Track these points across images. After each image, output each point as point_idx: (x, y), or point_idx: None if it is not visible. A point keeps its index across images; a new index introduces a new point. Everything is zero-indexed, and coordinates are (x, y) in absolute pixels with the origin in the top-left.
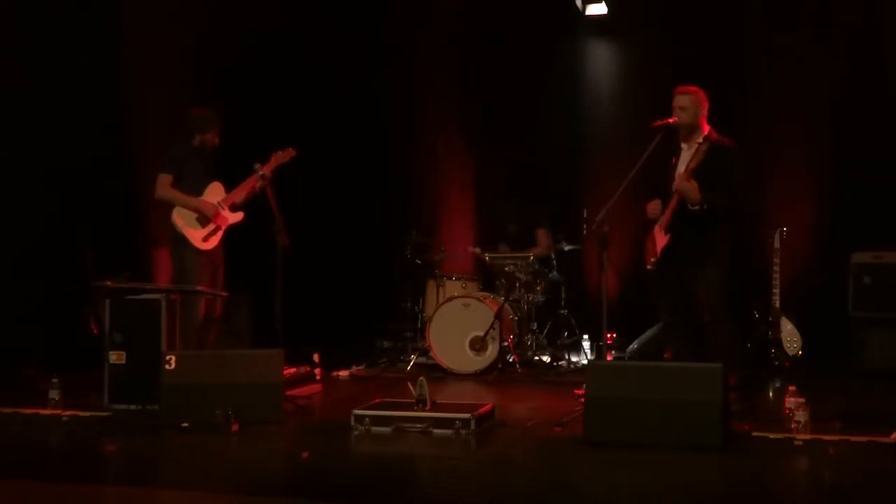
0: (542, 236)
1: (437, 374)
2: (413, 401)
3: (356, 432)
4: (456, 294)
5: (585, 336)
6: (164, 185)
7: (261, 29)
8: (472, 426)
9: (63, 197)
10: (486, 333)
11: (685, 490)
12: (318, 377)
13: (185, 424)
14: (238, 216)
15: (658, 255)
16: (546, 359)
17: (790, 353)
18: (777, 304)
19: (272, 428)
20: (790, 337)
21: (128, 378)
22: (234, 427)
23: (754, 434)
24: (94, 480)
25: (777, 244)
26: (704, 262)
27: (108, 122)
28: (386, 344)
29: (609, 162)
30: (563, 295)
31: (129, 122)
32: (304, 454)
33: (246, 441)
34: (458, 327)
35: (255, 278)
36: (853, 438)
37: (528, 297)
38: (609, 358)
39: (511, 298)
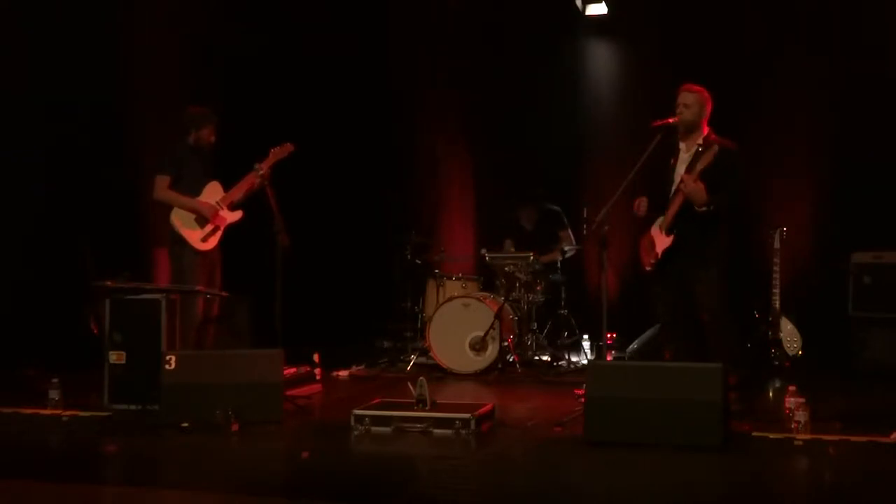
0: (566, 237)
1: (437, 374)
2: (413, 401)
3: (356, 432)
4: (456, 294)
5: (585, 336)
6: (161, 187)
7: (261, 28)
8: (472, 426)
9: (63, 197)
10: (486, 333)
11: (685, 490)
12: (318, 377)
13: (185, 424)
14: (237, 215)
15: (658, 256)
16: (546, 359)
17: (790, 353)
18: (777, 304)
19: (272, 428)
20: (790, 337)
21: (128, 378)
22: (234, 427)
23: (754, 434)
24: (94, 480)
25: (777, 244)
26: (705, 262)
27: (109, 121)
28: (386, 344)
29: (609, 162)
30: (563, 295)
31: (130, 121)
32: (304, 454)
33: (246, 441)
34: (458, 327)
35: (255, 278)
36: (853, 438)
37: (528, 297)
38: (609, 358)
39: (511, 298)
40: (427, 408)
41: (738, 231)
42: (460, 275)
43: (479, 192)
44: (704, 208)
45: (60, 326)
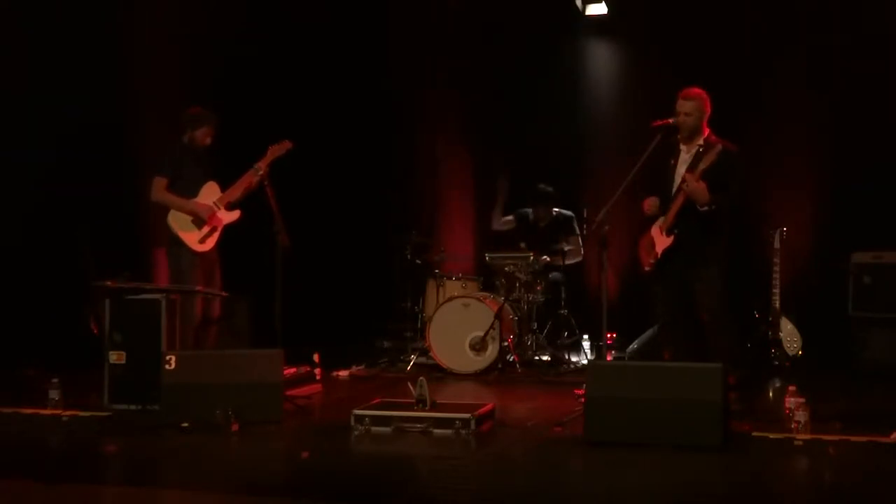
0: (575, 243)
1: (437, 374)
2: (413, 401)
3: (356, 432)
4: (456, 294)
5: (585, 336)
6: (159, 189)
7: (261, 28)
8: (472, 426)
9: (63, 197)
10: (486, 333)
11: (685, 490)
12: (318, 377)
13: (185, 424)
14: (234, 215)
15: (658, 256)
16: (546, 359)
17: (790, 353)
18: (777, 304)
19: (272, 428)
20: (790, 337)
21: (128, 378)
22: (234, 427)
23: (754, 434)
24: (94, 480)
25: (777, 244)
26: (706, 262)
27: (109, 121)
28: (386, 344)
29: (609, 162)
30: (563, 295)
31: (130, 121)
32: (304, 454)
33: (246, 441)
34: (458, 327)
35: (254, 278)
36: (853, 438)
37: (528, 297)
38: (609, 358)
39: (511, 298)
40: (427, 408)
41: (738, 231)
42: (460, 275)
43: (479, 192)
44: (706, 208)
45: (60, 326)
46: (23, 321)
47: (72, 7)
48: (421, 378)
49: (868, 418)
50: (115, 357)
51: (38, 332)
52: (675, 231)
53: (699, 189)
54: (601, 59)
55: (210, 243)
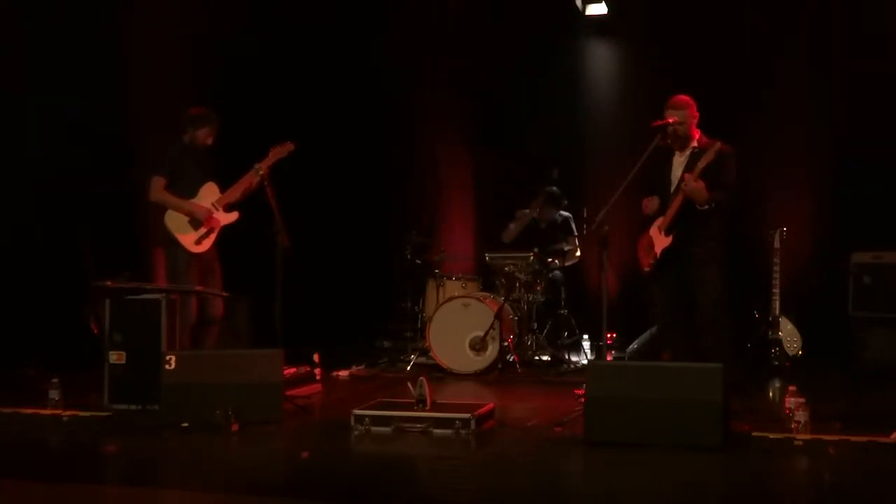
0: (573, 243)
1: (437, 374)
2: (413, 401)
3: (356, 432)
4: (456, 294)
5: (585, 336)
6: (157, 189)
7: (261, 28)
8: (472, 426)
9: (63, 197)
10: (486, 333)
11: (685, 490)
12: (318, 377)
13: (185, 424)
14: (233, 216)
15: (657, 256)
16: (546, 359)
17: (790, 353)
18: (777, 304)
19: (272, 428)
20: (790, 337)
21: (128, 378)
22: (234, 427)
23: (754, 434)
24: (94, 480)
25: (777, 244)
26: (704, 262)
27: (109, 121)
28: (386, 344)
29: (609, 162)
30: (563, 295)
31: (130, 121)
32: (304, 454)
33: (246, 441)
34: (458, 327)
35: (254, 278)
36: (853, 438)
37: (528, 297)
38: (609, 358)
39: (511, 298)
40: (427, 408)
41: (738, 231)
42: (460, 275)
43: (479, 192)
44: (705, 207)
45: (60, 326)
46: (23, 321)
47: (72, 7)
48: (421, 378)
49: (868, 418)
50: (115, 357)
51: (38, 332)
52: (674, 231)
53: (698, 188)
54: (601, 59)
55: (206, 244)
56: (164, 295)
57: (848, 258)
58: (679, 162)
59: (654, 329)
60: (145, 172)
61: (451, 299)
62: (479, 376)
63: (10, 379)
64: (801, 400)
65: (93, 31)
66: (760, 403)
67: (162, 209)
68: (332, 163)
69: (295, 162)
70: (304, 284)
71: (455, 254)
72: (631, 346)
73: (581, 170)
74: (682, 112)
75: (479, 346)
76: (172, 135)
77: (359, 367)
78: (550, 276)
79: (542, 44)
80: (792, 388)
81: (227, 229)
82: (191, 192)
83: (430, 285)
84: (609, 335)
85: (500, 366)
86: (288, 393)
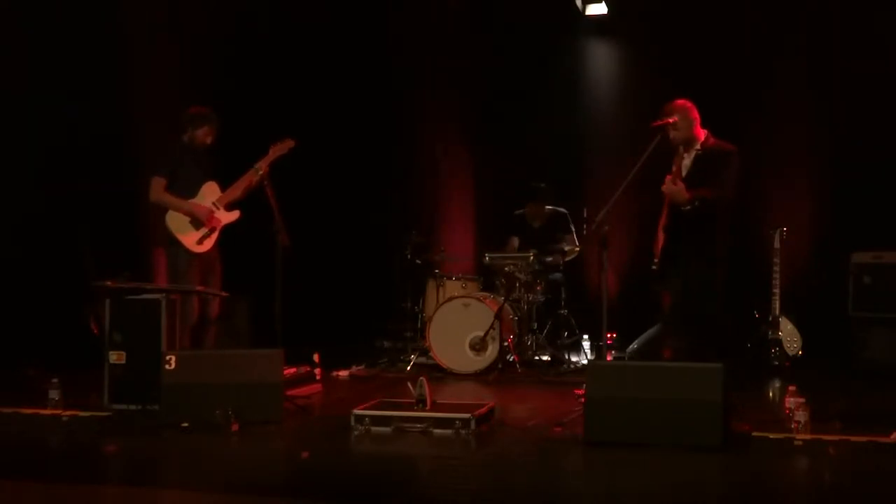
0: (571, 241)
1: (437, 374)
2: (413, 401)
3: (356, 432)
4: (456, 294)
5: (585, 336)
6: (157, 189)
7: (261, 28)
8: (472, 426)
9: (63, 197)
10: (486, 333)
11: (685, 490)
12: (318, 377)
13: (185, 424)
14: (234, 215)
15: (657, 256)
16: (546, 359)
17: (790, 353)
18: (777, 304)
19: (272, 428)
20: (790, 337)
21: (128, 378)
22: (234, 427)
23: (754, 434)
24: (94, 480)
25: (777, 244)
26: (701, 261)
27: (108, 121)
28: (386, 344)
29: (609, 162)
30: (563, 295)
31: (130, 121)
32: (304, 454)
33: (246, 441)
34: (458, 327)
35: (254, 278)
36: (853, 438)
37: (528, 297)
38: (609, 358)
39: (511, 298)
40: (427, 408)
41: (736, 231)
42: (460, 275)
43: (479, 192)
44: (688, 207)
45: (60, 326)
46: (23, 321)
47: (72, 7)
48: (421, 378)
49: (868, 418)
50: (115, 357)
51: (38, 332)
52: (668, 231)
53: (676, 191)
54: (601, 59)
55: (208, 244)
56: (164, 295)
57: (848, 258)
58: (685, 165)
59: (654, 328)
60: (145, 172)
61: (451, 299)
62: (479, 376)
63: (10, 379)
64: (801, 400)
65: (93, 31)
66: (760, 403)
67: (163, 209)
68: (332, 162)
69: (295, 162)
70: (304, 284)
71: (455, 254)
72: (631, 346)
73: (581, 170)
74: (678, 118)
75: (479, 346)
76: (173, 135)
77: (359, 367)
78: (550, 276)
79: (542, 44)
80: (792, 388)
81: (226, 229)
82: (191, 191)
83: (430, 285)
84: (609, 335)
85: (500, 366)
86: (288, 393)
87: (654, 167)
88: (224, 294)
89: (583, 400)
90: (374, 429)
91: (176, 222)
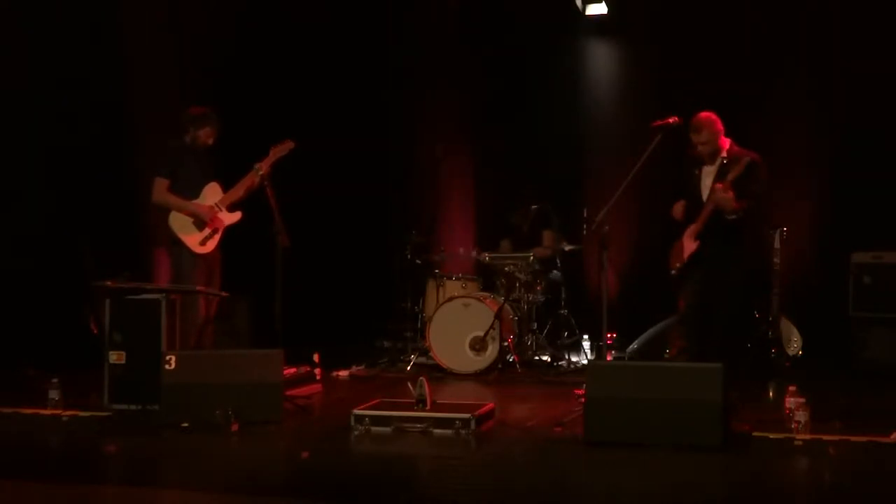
0: (548, 237)
1: (437, 374)
2: (413, 401)
3: (356, 432)
4: (456, 294)
5: (585, 336)
6: (160, 190)
7: (260, 28)
8: (472, 426)
9: (63, 197)
10: (486, 333)
11: (685, 490)
12: (318, 377)
13: (185, 424)
14: (236, 216)
15: (684, 260)
16: (546, 359)
17: (790, 353)
18: (777, 304)
19: (272, 428)
20: (790, 337)
21: (128, 378)
22: (234, 427)
23: (754, 434)
24: (94, 480)
25: (777, 244)
26: (729, 267)
27: (109, 121)
28: (386, 344)
29: (609, 162)
30: (563, 295)
31: (130, 121)
32: (304, 454)
33: (246, 441)
34: (458, 327)
35: (255, 278)
36: (853, 438)
37: (528, 297)
38: (609, 358)
39: (511, 298)
40: (427, 408)
41: (760, 238)
42: (460, 275)
43: (479, 192)
44: (733, 216)
45: (60, 326)
46: (23, 321)
47: (72, 7)
48: (421, 378)
49: (868, 418)
50: (115, 357)
51: (38, 332)
52: (703, 237)
53: (727, 199)
54: (601, 59)
55: (211, 245)
56: (164, 295)
57: (848, 258)
58: (708, 171)
59: (655, 328)
60: (147, 173)
61: (451, 299)
62: (479, 376)
63: (10, 379)
64: (801, 400)
65: (93, 31)
66: (760, 403)
67: (165, 210)
68: (332, 163)
69: (295, 162)
70: (304, 284)
71: (455, 254)
72: (631, 346)
73: (581, 170)
74: (703, 135)
75: (479, 346)
76: (173, 135)
77: (359, 367)
78: (550, 276)
79: (542, 44)
80: (792, 388)
81: (227, 229)
82: (193, 192)
83: (430, 285)
84: (609, 335)
85: (500, 366)
86: (288, 393)
87: (655, 167)
88: (224, 294)
89: (583, 400)
90: (374, 429)
91: (179, 223)
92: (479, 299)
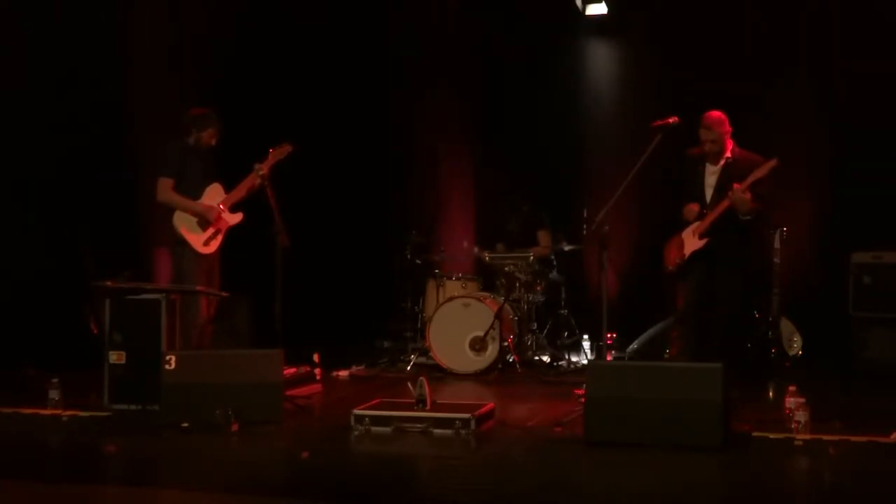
0: (543, 237)
1: (437, 374)
2: (413, 401)
3: (356, 432)
4: (456, 294)
5: (585, 336)
6: (165, 189)
7: (260, 28)
8: (472, 426)
9: (63, 197)
10: (486, 333)
11: (685, 490)
12: (318, 377)
13: (185, 424)
14: (237, 217)
15: (685, 257)
16: (546, 359)
17: (790, 353)
18: (777, 304)
19: (272, 428)
20: (790, 337)
21: (128, 378)
22: (234, 427)
23: (754, 434)
24: (94, 480)
25: (777, 244)
26: (732, 266)
27: (109, 121)
28: (386, 344)
29: (609, 162)
30: (563, 295)
31: (130, 121)
32: (304, 454)
33: (246, 441)
34: (458, 327)
35: (255, 278)
36: (853, 438)
37: (528, 297)
38: (609, 358)
39: (511, 298)
40: (427, 408)
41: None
42: (460, 275)
43: (479, 192)
44: (747, 217)
45: (60, 326)
46: (23, 321)
47: (72, 7)
48: (421, 378)
49: (868, 418)
50: (115, 357)
51: (38, 332)
52: (710, 236)
53: (745, 199)
54: (601, 59)
55: (214, 245)
56: (164, 295)
57: (848, 258)
58: (711, 171)
59: (655, 328)
60: (149, 173)
61: (451, 299)
62: (479, 376)
63: (10, 379)
64: (801, 400)
65: (93, 31)
66: (760, 403)
67: (168, 210)
68: (332, 163)
69: (295, 162)
70: (304, 284)
71: (455, 254)
72: (631, 346)
73: (581, 170)
74: (713, 133)
75: (479, 346)
76: (173, 135)
77: (359, 367)
78: (550, 276)
79: (542, 44)
80: (792, 388)
81: (228, 229)
82: (196, 192)
83: (430, 285)
84: (609, 335)
85: (500, 366)
86: (288, 393)
87: (654, 167)
88: (224, 294)
89: (583, 400)
90: (374, 429)
91: (184, 222)
92: (479, 299)
